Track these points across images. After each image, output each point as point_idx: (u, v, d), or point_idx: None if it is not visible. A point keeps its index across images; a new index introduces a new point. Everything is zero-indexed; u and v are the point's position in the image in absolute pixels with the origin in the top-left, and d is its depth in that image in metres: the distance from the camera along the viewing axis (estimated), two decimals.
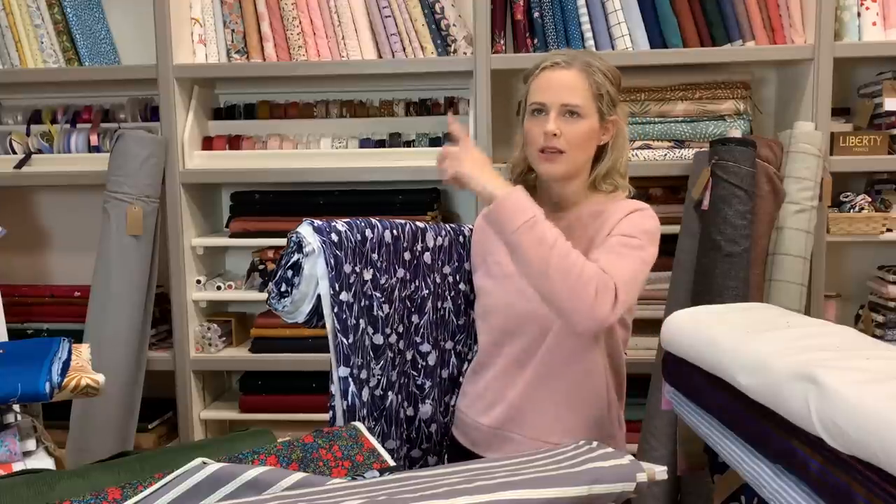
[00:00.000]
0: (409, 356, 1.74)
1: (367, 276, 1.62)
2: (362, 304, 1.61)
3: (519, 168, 1.70)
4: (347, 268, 1.57)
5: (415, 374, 1.77)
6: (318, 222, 1.56)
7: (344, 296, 1.56)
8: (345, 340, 1.56)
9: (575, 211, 1.64)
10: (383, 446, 1.49)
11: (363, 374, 1.62)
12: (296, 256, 1.52)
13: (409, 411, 1.77)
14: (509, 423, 1.67)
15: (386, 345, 1.67)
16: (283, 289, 1.55)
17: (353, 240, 1.59)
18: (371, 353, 1.64)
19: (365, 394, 1.63)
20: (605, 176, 1.62)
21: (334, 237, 1.55)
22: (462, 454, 1.74)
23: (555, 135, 1.54)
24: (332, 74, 2.70)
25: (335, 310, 1.55)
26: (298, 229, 1.55)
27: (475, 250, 1.79)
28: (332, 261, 1.53)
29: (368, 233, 1.62)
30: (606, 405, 1.69)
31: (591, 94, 1.55)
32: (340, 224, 1.59)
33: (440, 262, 1.77)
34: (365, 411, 1.62)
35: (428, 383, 1.78)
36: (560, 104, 1.54)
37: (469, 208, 2.78)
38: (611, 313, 1.43)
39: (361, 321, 1.61)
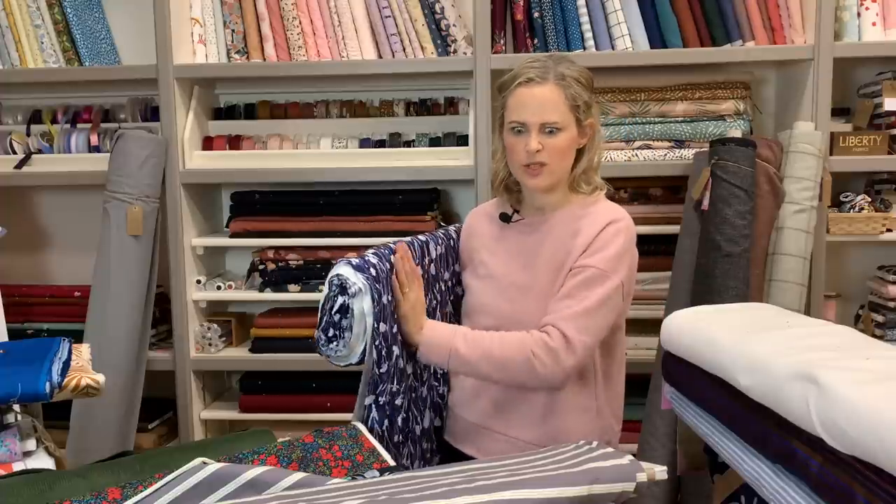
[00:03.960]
0: (432, 368, 1.75)
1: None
2: (393, 330, 1.60)
3: (500, 176, 1.74)
4: (385, 298, 1.55)
5: (436, 384, 1.78)
6: (354, 260, 1.52)
7: (382, 326, 1.54)
8: (377, 371, 1.54)
9: (558, 214, 1.68)
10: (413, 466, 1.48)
11: (397, 401, 1.61)
12: (341, 299, 1.47)
13: (437, 422, 1.79)
14: (491, 420, 1.68)
15: (412, 364, 1.67)
16: (330, 334, 1.50)
17: (384, 269, 1.57)
18: (400, 375, 1.64)
19: (398, 420, 1.62)
20: (582, 174, 1.67)
21: (373, 272, 1.52)
22: (447, 451, 1.76)
23: (537, 151, 1.58)
24: (332, 74, 2.70)
25: (376, 342, 1.53)
26: (338, 271, 1.50)
27: (463, 248, 1.82)
28: (376, 295, 1.51)
29: (393, 259, 1.62)
30: (595, 411, 1.68)
31: (568, 106, 1.60)
32: (371, 256, 1.56)
33: (441, 271, 1.78)
34: (398, 437, 1.61)
35: (447, 389, 1.80)
36: (540, 123, 1.58)
37: (469, 208, 2.77)
38: (567, 367, 1.54)
39: (395, 348, 1.60)
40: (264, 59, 2.64)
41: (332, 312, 1.48)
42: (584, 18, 2.52)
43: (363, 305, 1.47)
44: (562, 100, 1.59)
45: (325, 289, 1.50)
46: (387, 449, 1.47)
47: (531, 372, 1.53)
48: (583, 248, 1.60)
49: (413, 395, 1.68)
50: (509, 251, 1.70)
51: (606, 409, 1.70)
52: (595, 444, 1.21)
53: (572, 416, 1.65)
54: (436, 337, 1.57)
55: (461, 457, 1.70)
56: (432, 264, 1.74)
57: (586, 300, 1.55)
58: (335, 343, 1.50)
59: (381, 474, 1.21)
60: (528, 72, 1.61)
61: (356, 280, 1.47)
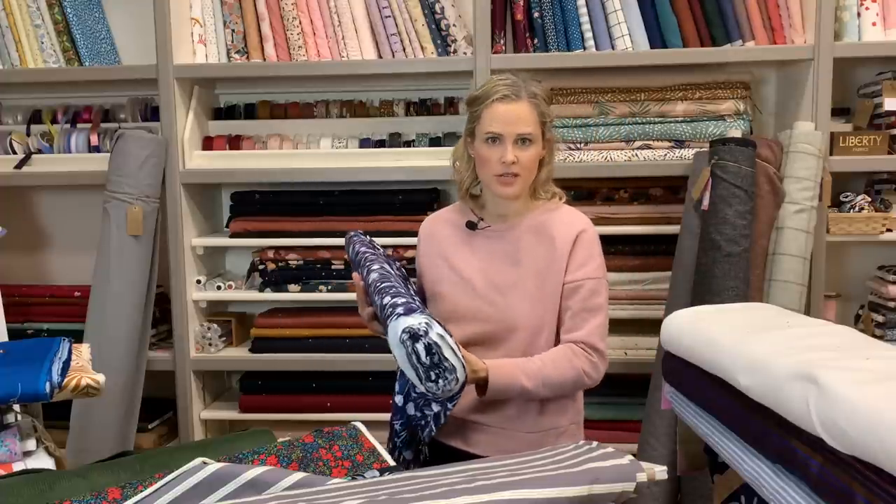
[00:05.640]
0: None
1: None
2: None
3: (466, 183, 1.80)
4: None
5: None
6: (400, 309, 1.50)
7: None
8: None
9: (521, 221, 1.76)
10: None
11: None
12: (421, 344, 1.44)
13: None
14: (476, 414, 1.71)
15: None
16: (433, 377, 1.46)
17: (413, 291, 1.63)
18: None
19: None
20: (542, 184, 1.78)
21: (416, 302, 1.54)
22: (430, 446, 1.77)
23: (513, 163, 1.67)
24: (332, 74, 2.71)
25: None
26: (400, 327, 1.46)
27: (424, 253, 1.84)
28: (434, 317, 1.51)
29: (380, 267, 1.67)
30: (571, 395, 1.76)
31: (538, 122, 1.70)
32: (393, 293, 1.56)
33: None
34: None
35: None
36: (516, 134, 1.68)
37: None
38: (602, 374, 1.70)
39: None
40: (264, 59, 2.64)
41: (422, 360, 1.45)
42: (584, 18, 2.52)
43: (437, 331, 1.46)
44: (533, 116, 1.69)
45: (399, 351, 1.47)
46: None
47: (580, 386, 1.69)
48: (566, 256, 1.70)
49: None
50: (480, 256, 1.75)
51: (579, 393, 1.80)
52: (595, 443, 1.21)
53: (553, 402, 1.72)
54: (503, 379, 1.62)
55: (446, 450, 1.73)
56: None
57: (600, 311, 1.70)
58: (444, 379, 1.46)
59: (381, 474, 1.21)
60: (503, 89, 1.69)
61: (419, 320, 1.46)
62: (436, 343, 1.45)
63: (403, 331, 1.46)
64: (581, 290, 1.69)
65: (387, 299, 1.53)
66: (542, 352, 1.68)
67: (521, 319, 1.69)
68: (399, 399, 1.74)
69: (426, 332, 1.45)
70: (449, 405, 1.59)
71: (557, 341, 1.71)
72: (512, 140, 1.67)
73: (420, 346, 1.45)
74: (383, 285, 1.59)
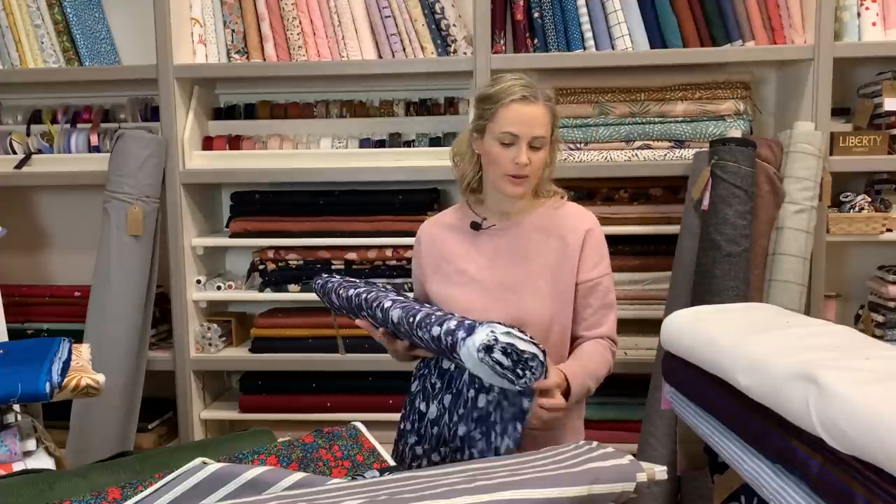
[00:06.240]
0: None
1: None
2: None
3: (468, 178, 1.80)
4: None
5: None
6: (462, 334, 1.49)
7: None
8: None
9: (525, 219, 1.77)
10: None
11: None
12: (497, 350, 1.43)
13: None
14: None
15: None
16: (521, 371, 1.45)
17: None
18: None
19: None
20: (545, 183, 1.80)
21: (468, 319, 1.53)
22: None
23: (526, 164, 1.69)
24: (332, 74, 2.71)
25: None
26: (475, 345, 1.45)
27: (426, 257, 1.83)
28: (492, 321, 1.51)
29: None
30: None
31: (551, 125, 1.73)
32: (445, 321, 1.54)
33: None
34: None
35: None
36: (532, 137, 1.69)
37: None
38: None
39: None
40: (264, 59, 2.64)
41: (506, 366, 1.44)
42: (584, 18, 2.52)
43: (502, 331, 1.47)
44: (548, 119, 1.71)
45: (483, 371, 1.46)
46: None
47: (605, 377, 1.75)
48: (577, 254, 1.72)
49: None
50: (486, 255, 1.76)
51: None
52: (595, 444, 1.21)
53: None
54: (580, 387, 1.65)
55: None
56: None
57: (614, 306, 1.79)
58: (529, 370, 1.46)
59: (381, 474, 1.21)
60: (521, 90, 1.69)
61: (484, 332, 1.46)
62: (508, 343, 1.45)
63: (478, 350, 1.44)
64: (599, 287, 1.74)
65: (436, 329, 1.50)
66: (553, 348, 1.67)
67: (533, 316, 1.68)
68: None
69: (496, 339, 1.45)
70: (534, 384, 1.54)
71: (569, 338, 1.72)
72: (527, 142, 1.68)
73: (497, 355, 1.44)
74: (419, 319, 1.56)
